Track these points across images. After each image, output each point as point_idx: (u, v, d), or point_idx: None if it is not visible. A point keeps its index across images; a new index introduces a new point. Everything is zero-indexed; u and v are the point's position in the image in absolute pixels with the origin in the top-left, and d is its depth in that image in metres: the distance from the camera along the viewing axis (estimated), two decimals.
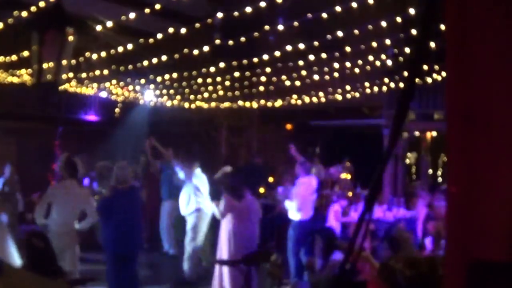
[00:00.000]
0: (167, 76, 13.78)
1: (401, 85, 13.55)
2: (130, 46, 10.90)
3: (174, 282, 11.67)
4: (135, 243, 9.19)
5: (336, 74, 13.47)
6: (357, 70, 13.02)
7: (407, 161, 20.13)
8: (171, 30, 10.09)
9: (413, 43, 10.08)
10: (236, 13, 9.04)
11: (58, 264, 6.51)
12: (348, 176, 17.25)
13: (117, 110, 22.43)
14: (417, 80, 1.87)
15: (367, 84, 14.44)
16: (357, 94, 15.28)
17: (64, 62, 3.00)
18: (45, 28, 2.95)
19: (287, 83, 14.28)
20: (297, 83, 14.17)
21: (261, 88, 15.33)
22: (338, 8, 8.76)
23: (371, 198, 1.90)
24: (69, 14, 3.00)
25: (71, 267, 9.44)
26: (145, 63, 12.08)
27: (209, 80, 14.17)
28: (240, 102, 17.14)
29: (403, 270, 4.23)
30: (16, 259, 6.52)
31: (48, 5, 8.67)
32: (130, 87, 16.30)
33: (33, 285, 3.70)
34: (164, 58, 11.58)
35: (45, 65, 2.99)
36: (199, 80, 14.11)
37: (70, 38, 3.03)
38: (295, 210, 11.10)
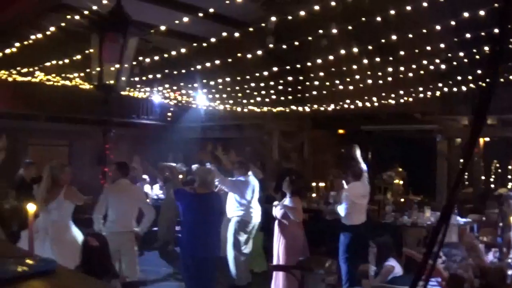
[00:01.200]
0: (220, 80, 13.80)
1: (455, 89, 13.42)
2: (183, 50, 10.93)
3: (225, 286, 11.65)
4: (210, 248, 9.20)
5: (389, 79, 13.33)
6: (410, 74, 12.87)
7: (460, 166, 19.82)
8: (224, 34, 10.10)
9: (493, 42, 9.95)
10: (289, 17, 9.00)
11: (112, 265, 6.55)
12: (401, 182, 17.10)
13: (169, 113, 22.61)
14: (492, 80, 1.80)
15: (420, 88, 14.25)
16: (410, 99, 15.10)
17: (125, 65, 3.00)
18: (106, 31, 2.94)
19: (340, 87, 14.18)
20: (350, 87, 14.07)
21: (314, 92, 15.25)
22: (392, 12, 8.66)
23: (449, 208, 1.78)
24: (130, 17, 3.00)
25: (130, 269, 9.53)
26: (198, 67, 12.10)
27: (262, 84, 14.16)
28: (293, 107, 17.09)
29: (472, 279, 4.17)
30: (70, 259, 6.58)
31: (109, 8, 8.81)
32: (183, 91, 16.36)
33: (84, 286, 3.71)
34: (217, 62, 11.59)
35: (105, 68, 2.99)
36: (252, 84, 14.10)
37: (132, 41, 3.02)
38: (344, 215, 11.01)
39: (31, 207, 4.14)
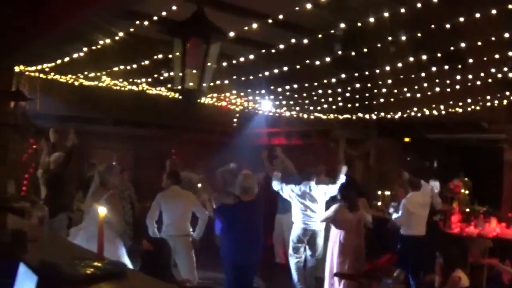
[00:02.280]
0: (287, 87, 13.85)
1: None
2: (251, 57, 11.03)
3: None
4: (255, 255, 9.20)
5: (457, 86, 13.21)
6: (478, 82, 12.74)
7: None
8: (293, 41, 10.16)
9: None
10: (358, 24, 9.03)
11: (169, 270, 6.64)
12: (466, 192, 16.90)
13: (235, 120, 22.75)
14: None
15: (487, 97, 14.07)
16: (477, 108, 14.92)
17: (207, 71, 3.07)
18: (189, 36, 3.02)
19: (408, 95, 14.11)
20: (418, 95, 13.98)
21: (381, 99, 15.20)
22: (461, 19, 8.63)
23: None
24: (212, 23, 3.08)
25: (188, 273, 9.63)
26: (266, 73, 12.17)
27: (329, 91, 14.16)
28: (359, 114, 17.04)
29: None
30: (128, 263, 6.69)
31: (178, 14, 8.94)
32: (249, 97, 16.47)
33: None
34: (285, 68, 11.65)
35: (188, 73, 3.07)
36: (319, 91, 14.12)
37: (214, 46, 3.10)
38: (401, 225, 10.95)
39: (102, 210, 4.23)
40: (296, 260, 11.86)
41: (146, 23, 9.56)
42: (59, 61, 12.27)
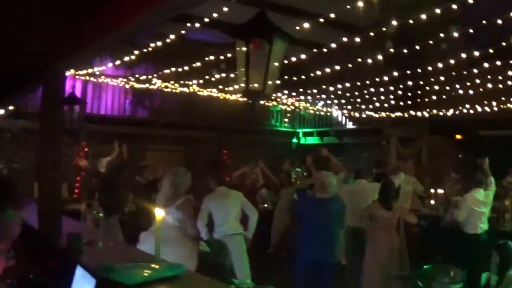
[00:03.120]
0: (339, 86, 13.89)
1: None
2: (303, 56, 11.09)
3: None
4: (326, 254, 9.25)
5: (509, 82, 13.12)
6: None
7: None
8: (344, 39, 10.22)
9: None
10: (410, 21, 9.06)
11: (225, 272, 6.69)
12: None
13: (286, 119, 22.82)
14: None
15: None
16: None
17: (271, 72, 3.15)
18: (251, 37, 3.10)
19: (460, 91, 14.04)
20: (470, 91, 13.91)
21: (433, 97, 15.14)
22: None
23: None
24: (275, 24, 3.17)
25: (242, 273, 9.66)
26: (318, 73, 12.23)
27: (381, 89, 14.17)
28: (411, 112, 16.98)
29: None
30: (188, 265, 6.77)
31: (229, 15, 9.07)
32: (301, 97, 16.54)
33: None
34: (337, 67, 11.70)
35: (251, 74, 3.15)
36: (371, 89, 14.13)
37: (278, 47, 3.18)
38: (463, 223, 10.86)
39: (159, 212, 4.31)
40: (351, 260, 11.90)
41: (197, 25, 9.70)
42: (110, 65, 12.49)
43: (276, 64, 3.33)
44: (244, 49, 3.24)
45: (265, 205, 16.46)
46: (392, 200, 9.95)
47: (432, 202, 15.78)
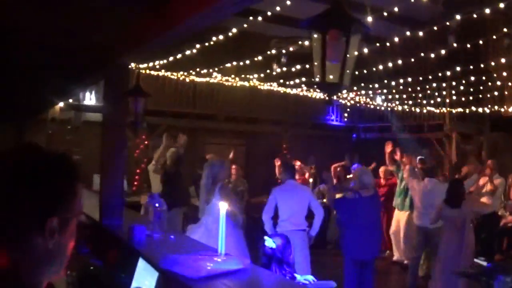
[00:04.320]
0: (401, 81, 13.85)
1: None
2: (365, 50, 11.11)
3: None
4: (373, 250, 9.31)
5: None
6: None
7: None
8: (407, 33, 10.22)
9: None
10: (474, 15, 9.03)
11: (292, 268, 6.74)
12: None
13: (346, 114, 22.78)
14: None
15: None
16: None
17: (348, 63, 3.20)
18: (328, 29, 3.15)
19: None
20: None
21: (495, 93, 15.01)
22: None
23: None
24: (352, 15, 3.23)
25: (303, 269, 9.69)
26: (380, 67, 12.23)
27: (443, 84, 14.10)
28: (472, 108, 16.83)
29: None
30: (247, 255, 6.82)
31: (292, 9, 9.16)
32: (362, 91, 16.53)
33: (274, 285, 3.91)
34: (399, 62, 11.69)
35: (328, 66, 3.20)
36: (433, 85, 14.07)
37: (354, 39, 3.23)
38: None
39: (223, 205, 4.39)
40: (413, 258, 11.86)
41: (259, 19, 9.79)
42: (171, 58, 12.64)
43: (353, 56, 3.37)
44: (321, 41, 3.29)
45: (324, 200, 16.49)
46: (460, 199, 9.88)
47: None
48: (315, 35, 3.29)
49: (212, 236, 7.39)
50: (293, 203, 9.74)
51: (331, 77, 3.26)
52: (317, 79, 3.31)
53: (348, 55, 3.27)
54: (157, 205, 10.82)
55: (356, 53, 3.41)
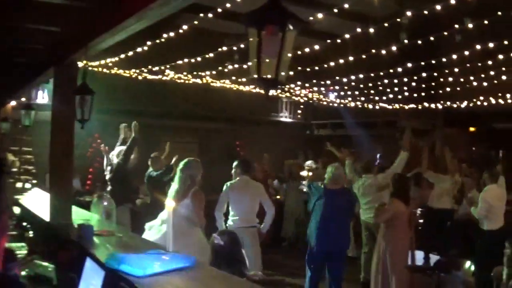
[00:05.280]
0: (352, 77, 13.84)
1: None
2: (317, 47, 11.05)
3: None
4: (341, 242, 9.32)
5: None
6: None
7: None
8: (358, 30, 10.17)
9: None
10: (425, 12, 9.00)
11: (240, 264, 6.68)
12: None
13: (299, 111, 22.81)
14: None
15: None
16: None
17: (284, 59, 3.13)
18: (264, 24, 3.09)
19: (474, 83, 13.96)
20: (484, 83, 13.84)
21: (447, 89, 15.07)
22: None
23: None
24: (288, 10, 3.15)
25: (254, 265, 9.65)
26: (331, 64, 12.19)
27: (395, 80, 14.12)
28: (425, 104, 16.90)
29: None
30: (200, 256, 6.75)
31: (240, 6, 9.04)
32: (314, 88, 16.49)
33: (223, 283, 3.86)
34: (350, 58, 11.66)
35: (264, 62, 3.14)
36: (385, 81, 14.08)
37: (290, 34, 3.16)
38: (481, 219, 10.75)
39: (169, 203, 4.28)
40: (364, 252, 11.95)
41: (210, 15, 9.67)
42: (122, 56, 12.47)
43: (289, 51, 3.31)
44: (257, 36, 3.23)
45: (278, 197, 16.45)
46: (408, 193, 9.89)
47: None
48: (252, 31, 3.25)
49: (176, 235, 7.35)
50: (244, 200, 9.83)
51: (267, 72, 3.22)
52: (253, 75, 3.28)
53: (284, 51, 3.23)
54: (105, 203, 10.68)
55: (291, 50, 3.37)
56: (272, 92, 17.13)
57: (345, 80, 14.17)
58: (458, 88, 14.81)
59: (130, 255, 3.95)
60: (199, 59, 12.52)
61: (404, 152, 11.60)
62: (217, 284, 3.80)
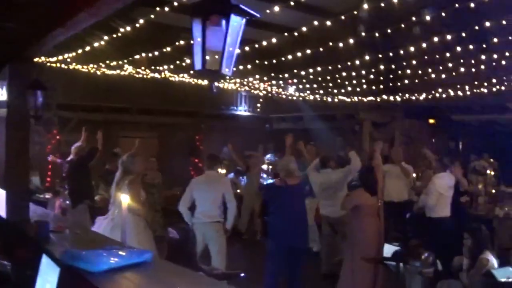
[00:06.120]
0: (310, 70, 13.79)
1: None
2: (274, 41, 10.98)
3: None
4: (301, 238, 9.24)
5: (482, 67, 13.10)
6: (503, 62, 12.61)
7: None
8: (315, 23, 10.09)
9: None
10: (382, 4, 8.95)
11: (194, 258, 6.60)
12: (492, 173, 16.77)
13: (258, 104, 22.77)
14: None
15: None
16: (502, 88, 14.77)
17: (229, 50, 3.06)
18: (208, 15, 3.01)
19: (432, 76, 14.01)
20: (443, 76, 13.88)
21: (406, 81, 15.11)
22: None
23: None
24: (233, 1, 3.07)
25: (218, 260, 9.59)
26: (289, 57, 12.12)
27: (353, 73, 14.10)
28: (384, 96, 16.93)
29: None
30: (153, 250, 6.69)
31: None
32: (273, 82, 16.42)
33: (179, 277, 3.77)
34: (308, 51, 11.60)
35: (208, 53, 3.06)
36: (343, 74, 14.05)
37: (235, 25, 3.08)
38: (431, 208, 10.80)
39: (124, 198, 4.19)
40: (325, 245, 11.93)
41: (166, 9, 9.55)
42: (80, 51, 12.30)
43: (234, 42, 3.23)
44: (200, 27, 3.16)
45: (238, 191, 16.36)
46: (375, 185, 9.89)
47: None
48: (197, 21, 3.19)
49: (115, 229, 7.34)
50: (207, 195, 9.74)
51: (211, 64, 3.18)
52: (197, 66, 3.22)
53: (228, 42, 3.17)
54: (61, 200, 10.55)
55: (236, 41, 3.30)
56: (230, 86, 17.05)
57: (303, 73, 14.13)
58: (417, 81, 14.87)
59: (85, 251, 3.86)
60: (157, 53, 12.38)
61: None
62: (172, 278, 3.72)
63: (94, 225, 8.31)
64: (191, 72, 14.61)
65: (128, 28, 10.61)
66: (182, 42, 11.72)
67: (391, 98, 17.02)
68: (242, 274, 7.92)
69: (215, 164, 10.34)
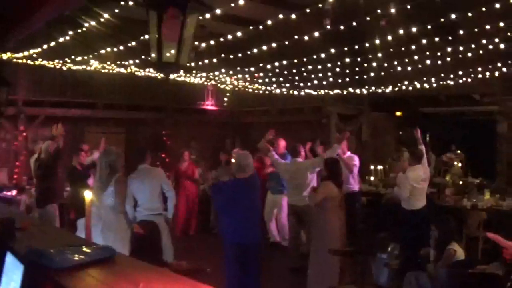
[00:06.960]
0: (276, 64, 13.73)
1: None
2: (239, 34, 10.91)
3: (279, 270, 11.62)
4: (255, 233, 9.13)
5: (448, 59, 13.14)
6: (469, 54, 12.65)
7: None
8: (280, 16, 10.04)
9: None
10: None
11: (160, 254, 6.53)
12: (459, 164, 16.89)
13: (225, 99, 22.71)
14: None
15: (479, 69, 13.98)
16: (469, 80, 14.84)
17: (185, 43, 2.99)
18: (165, 7, 2.94)
19: (399, 68, 14.03)
20: (409, 68, 13.90)
21: (372, 74, 15.13)
22: None
23: None
24: None
25: (166, 252, 9.52)
26: (255, 50, 12.06)
27: (319, 66, 14.06)
28: (350, 89, 16.93)
29: None
30: (122, 247, 6.59)
31: None
32: (239, 76, 16.32)
33: (143, 274, 3.71)
34: (274, 45, 11.54)
35: (165, 46, 3.00)
36: (309, 67, 14.02)
37: (192, 18, 3.02)
38: (404, 200, 10.80)
39: (88, 195, 4.13)
40: (292, 238, 11.92)
41: (131, 3, 9.43)
42: (45, 46, 12.14)
43: (190, 35, 3.17)
44: (156, 19, 3.08)
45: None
46: (340, 177, 9.89)
47: (372, 178, 15.85)
48: (153, 14, 3.13)
49: (104, 230, 7.33)
50: (145, 189, 9.81)
51: (167, 56, 3.12)
52: (153, 59, 3.15)
53: (184, 34, 3.11)
54: (26, 197, 10.43)
55: (192, 33, 3.23)
56: (196, 80, 16.95)
57: (269, 66, 14.06)
58: (383, 73, 14.89)
59: (49, 248, 3.78)
60: (122, 48, 12.26)
61: (337, 145, 11.56)
62: (136, 274, 3.60)
63: (78, 228, 8.12)
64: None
65: (93, 23, 10.48)
66: (147, 37, 11.59)
67: (358, 91, 17.05)
68: (208, 270, 7.87)
69: (145, 157, 10.33)
